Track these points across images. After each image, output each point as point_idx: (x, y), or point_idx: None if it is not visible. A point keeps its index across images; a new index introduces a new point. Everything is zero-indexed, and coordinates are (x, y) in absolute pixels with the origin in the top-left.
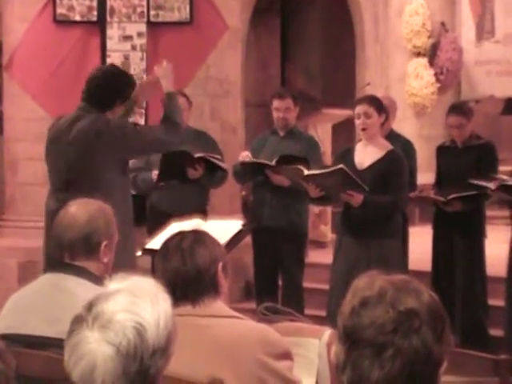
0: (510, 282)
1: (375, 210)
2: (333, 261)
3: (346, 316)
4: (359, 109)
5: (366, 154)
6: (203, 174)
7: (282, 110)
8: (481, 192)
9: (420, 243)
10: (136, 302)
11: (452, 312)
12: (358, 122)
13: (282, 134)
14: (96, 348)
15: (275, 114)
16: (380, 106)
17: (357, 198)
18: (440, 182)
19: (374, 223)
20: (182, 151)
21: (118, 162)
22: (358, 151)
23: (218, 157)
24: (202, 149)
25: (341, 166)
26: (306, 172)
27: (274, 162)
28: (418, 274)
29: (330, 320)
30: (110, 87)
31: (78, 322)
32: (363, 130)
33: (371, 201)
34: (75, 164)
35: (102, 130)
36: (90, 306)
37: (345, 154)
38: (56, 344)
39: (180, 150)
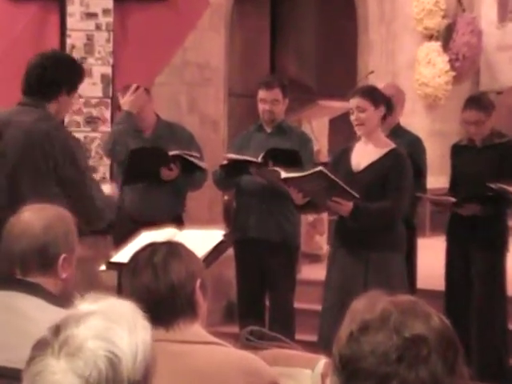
0: None
1: (369, 219)
2: (326, 277)
3: (344, 343)
4: (352, 102)
5: (363, 154)
6: (179, 174)
7: (268, 101)
8: (501, 197)
9: (431, 258)
10: (111, 328)
11: (467, 339)
12: (352, 117)
13: (268, 129)
14: (61, 380)
15: (261, 107)
16: (376, 98)
17: (345, 206)
18: (456, 187)
19: (371, 233)
20: (155, 148)
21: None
22: (356, 151)
23: (196, 154)
24: (177, 145)
25: (320, 168)
26: (283, 174)
27: (260, 159)
28: (429, 294)
29: (321, 345)
30: (53, 76)
31: (41, 347)
32: (358, 125)
33: (363, 209)
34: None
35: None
36: (57, 330)
37: (342, 154)
38: (5, 374)
39: (152, 146)
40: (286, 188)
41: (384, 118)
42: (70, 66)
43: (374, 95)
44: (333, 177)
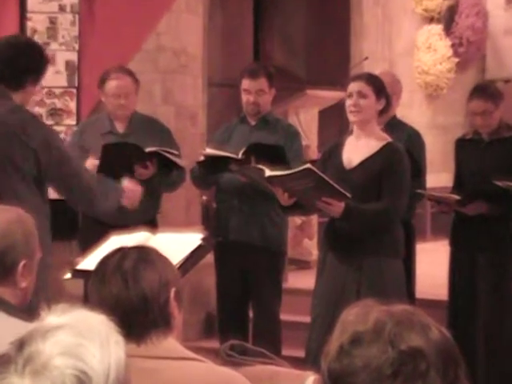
0: None
1: (362, 221)
2: (315, 285)
3: (333, 357)
4: (352, 86)
5: (356, 150)
6: (155, 173)
7: (253, 92)
8: (510, 195)
9: (432, 263)
10: (82, 344)
11: (473, 354)
12: (348, 102)
13: (253, 122)
14: None
15: (245, 97)
16: (380, 88)
17: (336, 207)
18: (460, 185)
19: (365, 237)
20: (130, 144)
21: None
22: (347, 146)
23: (175, 152)
24: (153, 141)
25: (308, 165)
26: (267, 173)
27: (240, 155)
28: (430, 304)
29: (310, 361)
30: (20, 62)
31: (3, 363)
32: (354, 112)
33: (355, 210)
34: None
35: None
36: (21, 345)
37: (332, 150)
38: None
39: (127, 142)
40: (271, 188)
41: (380, 113)
42: (38, 52)
43: (378, 85)
44: (322, 175)
